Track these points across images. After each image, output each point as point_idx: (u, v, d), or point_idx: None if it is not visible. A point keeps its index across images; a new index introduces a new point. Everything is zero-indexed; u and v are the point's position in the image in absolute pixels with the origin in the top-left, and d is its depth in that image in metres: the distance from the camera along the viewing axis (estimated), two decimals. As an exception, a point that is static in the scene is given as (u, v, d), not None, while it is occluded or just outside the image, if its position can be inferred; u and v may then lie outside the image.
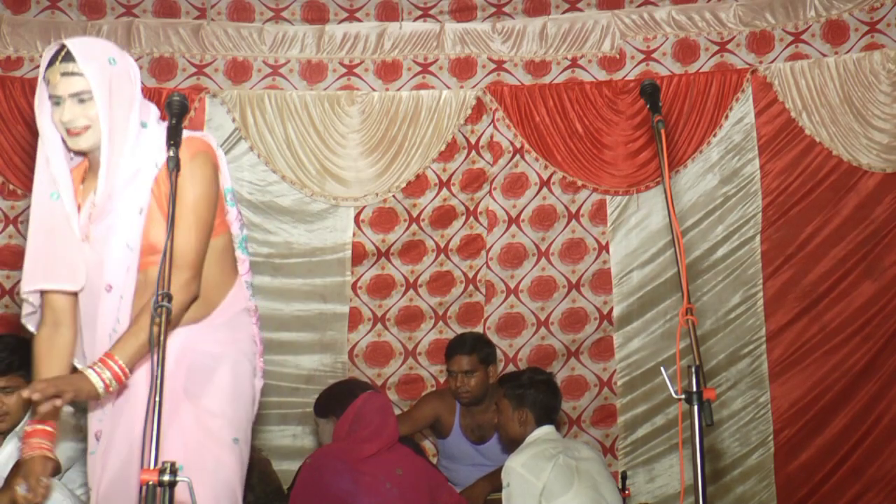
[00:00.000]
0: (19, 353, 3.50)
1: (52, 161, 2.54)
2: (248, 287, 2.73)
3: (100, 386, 2.33)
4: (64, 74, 2.43)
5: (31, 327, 2.68)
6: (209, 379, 2.55)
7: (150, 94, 4.68)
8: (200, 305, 2.56)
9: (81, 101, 2.44)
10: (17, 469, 2.50)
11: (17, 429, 3.47)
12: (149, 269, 2.49)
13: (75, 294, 2.60)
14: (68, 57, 2.43)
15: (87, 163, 2.62)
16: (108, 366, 2.35)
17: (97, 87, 2.42)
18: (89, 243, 2.53)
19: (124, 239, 2.49)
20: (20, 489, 2.43)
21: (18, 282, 4.87)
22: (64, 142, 2.53)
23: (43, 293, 2.61)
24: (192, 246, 2.50)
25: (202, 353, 2.56)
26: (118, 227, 2.49)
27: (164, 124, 2.55)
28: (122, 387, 2.39)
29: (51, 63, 2.46)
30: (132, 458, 2.47)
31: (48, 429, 2.53)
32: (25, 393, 2.30)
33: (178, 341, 2.54)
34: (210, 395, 2.54)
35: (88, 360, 2.55)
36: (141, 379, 2.49)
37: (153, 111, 2.59)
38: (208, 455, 2.50)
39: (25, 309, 2.66)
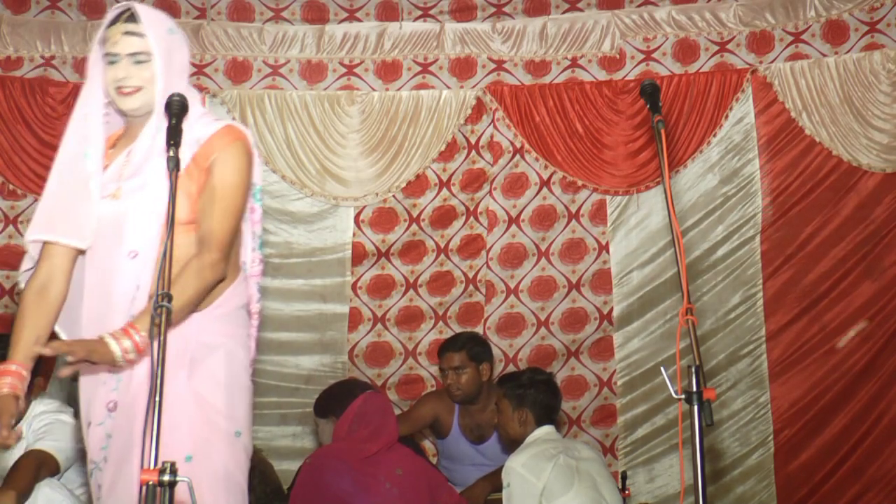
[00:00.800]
0: None
1: (90, 118, 2.56)
2: (257, 289, 2.73)
3: (118, 353, 2.29)
4: (125, 34, 2.47)
5: (24, 285, 2.64)
6: (211, 373, 2.54)
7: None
8: None
9: (138, 62, 2.48)
10: None
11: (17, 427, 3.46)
12: (177, 239, 2.44)
13: (75, 256, 2.58)
14: (132, 18, 2.48)
15: (121, 130, 2.64)
16: (129, 335, 2.31)
17: (157, 50, 2.47)
18: (117, 200, 2.52)
19: (153, 207, 2.48)
20: (4, 431, 2.36)
21: (18, 282, 4.90)
22: (108, 104, 2.56)
23: (44, 246, 2.59)
24: (225, 228, 2.50)
25: (204, 345, 2.54)
26: (149, 193, 2.49)
27: (204, 109, 2.61)
28: (140, 357, 2.36)
29: (113, 22, 2.50)
30: (133, 435, 2.43)
31: (22, 371, 2.46)
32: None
33: (177, 330, 2.50)
34: (212, 389, 2.53)
35: (88, 325, 2.51)
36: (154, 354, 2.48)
37: (197, 96, 2.63)
38: (213, 451, 2.49)
39: (25, 264, 2.64)
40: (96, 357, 2.30)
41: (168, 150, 2.26)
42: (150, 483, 1.86)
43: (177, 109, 2.37)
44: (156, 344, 2.01)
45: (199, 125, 2.53)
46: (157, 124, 2.47)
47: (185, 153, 2.48)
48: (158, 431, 1.93)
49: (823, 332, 5.03)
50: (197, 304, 2.47)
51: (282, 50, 5.08)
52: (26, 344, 2.50)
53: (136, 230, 2.48)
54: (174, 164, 2.23)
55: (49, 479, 3.36)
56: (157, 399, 1.94)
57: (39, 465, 3.28)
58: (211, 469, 2.47)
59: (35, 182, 4.91)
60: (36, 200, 4.93)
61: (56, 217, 2.56)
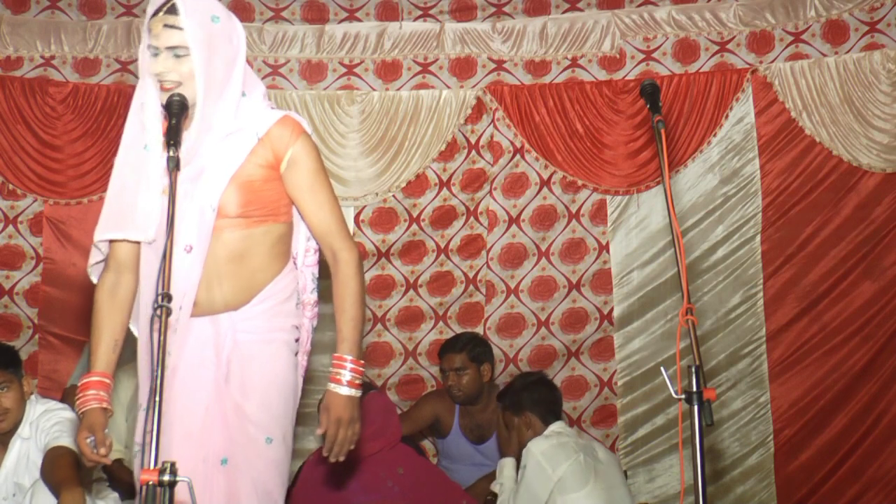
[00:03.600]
0: (7, 353, 3.52)
1: (147, 107, 2.52)
2: (312, 279, 2.73)
3: (350, 391, 2.48)
4: (165, 26, 2.42)
5: (94, 278, 2.67)
6: (245, 376, 2.53)
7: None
8: (241, 290, 2.54)
9: (177, 56, 2.42)
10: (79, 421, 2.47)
11: (20, 429, 3.45)
12: (224, 234, 2.50)
13: (140, 248, 2.57)
14: (172, 9, 2.42)
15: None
16: (343, 366, 2.50)
17: (195, 44, 2.40)
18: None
19: (208, 200, 2.47)
20: (89, 442, 2.39)
21: (18, 282, 4.90)
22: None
23: (111, 242, 2.59)
24: (339, 217, 2.60)
25: (241, 345, 2.53)
26: (203, 187, 2.48)
27: (269, 104, 2.59)
28: (362, 376, 2.52)
29: (155, 13, 2.45)
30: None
31: (105, 380, 2.50)
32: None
33: (215, 329, 2.53)
34: (245, 394, 2.52)
35: (144, 319, 2.53)
36: (192, 353, 2.50)
37: (260, 88, 2.61)
38: (245, 458, 2.51)
39: (93, 257, 2.64)
40: (344, 410, 2.46)
41: (168, 150, 2.26)
42: (150, 483, 1.86)
43: (177, 109, 2.36)
44: (156, 344, 2.01)
45: (258, 121, 2.52)
46: (202, 119, 2.44)
47: (244, 146, 2.49)
48: (159, 431, 1.93)
49: (823, 332, 5.02)
50: (350, 281, 2.56)
51: (282, 50, 5.08)
52: (105, 352, 2.54)
53: (190, 226, 2.47)
54: (174, 164, 2.23)
55: None
56: (157, 399, 1.94)
57: (74, 461, 3.28)
58: (241, 475, 2.49)
59: (35, 182, 4.91)
60: (35, 200, 4.94)
61: (119, 213, 2.55)
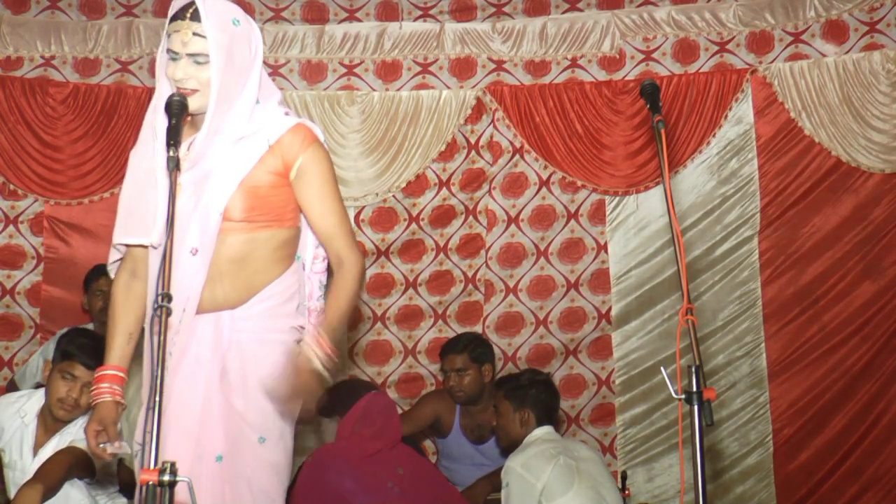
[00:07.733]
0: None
1: (158, 110, 2.51)
2: (320, 287, 2.73)
3: (318, 366, 2.46)
4: (187, 32, 2.41)
5: (113, 276, 2.70)
6: (239, 375, 2.54)
7: (150, 94, 4.68)
8: (240, 289, 2.55)
9: (197, 62, 2.42)
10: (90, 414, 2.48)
11: (72, 423, 3.40)
12: (228, 237, 2.50)
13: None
14: (195, 15, 2.41)
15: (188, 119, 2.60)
16: (322, 347, 2.48)
17: (216, 51, 2.40)
18: (178, 197, 2.48)
19: (214, 204, 2.48)
20: (102, 445, 2.39)
21: (19, 282, 4.90)
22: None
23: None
24: (347, 226, 2.60)
25: (238, 344, 2.53)
26: (209, 191, 2.49)
27: (284, 111, 2.59)
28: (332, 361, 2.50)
29: (178, 17, 2.44)
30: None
31: (119, 374, 2.52)
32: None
33: (213, 327, 2.53)
34: (239, 393, 2.53)
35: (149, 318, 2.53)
36: (192, 351, 2.51)
37: (276, 95, 2.61)
38: (239, 456, 2.51)
39: (113, 256, 2.67)
40: (313, 385, 2.45)
41: (168, 151, 2.26)
42: (150, 483, 1.87)
43: (176, 109, 2.36)
44: (156, 344, 2.01)
45: (270, 128, 2.52)
46: (210, 124, 2.45)
47: (254, 152, 2.50)
48: (159, 431, 1.93)
49: (822, 332, 5.03)
50: (360, 286, 2.57)
51: (282, 50, 5.08)
52: (120, 345, 2.56)
53: (197, 228, 2.48)
54: (174, 165, 2.23)
55: (76, 481, 3.30)
56: (158, 399, 1.94)
57: (72, 464, 3.22)
58: (236, 473, 2.50)
59: (36, 182, 4.91)
60: (36, 200, 4.94)
61: (130, 216, 2.57)
